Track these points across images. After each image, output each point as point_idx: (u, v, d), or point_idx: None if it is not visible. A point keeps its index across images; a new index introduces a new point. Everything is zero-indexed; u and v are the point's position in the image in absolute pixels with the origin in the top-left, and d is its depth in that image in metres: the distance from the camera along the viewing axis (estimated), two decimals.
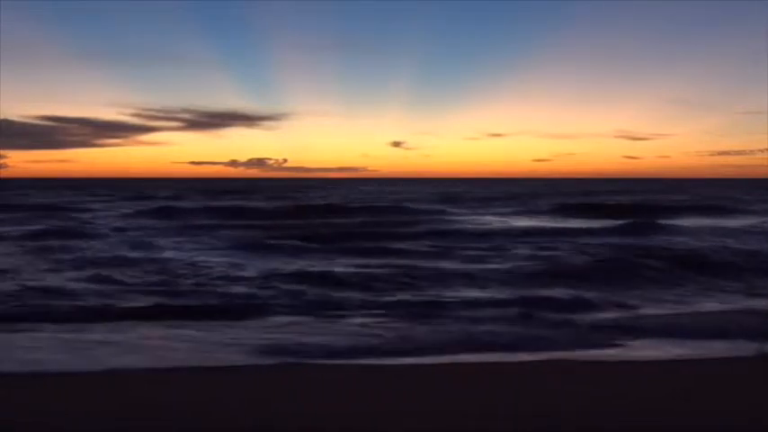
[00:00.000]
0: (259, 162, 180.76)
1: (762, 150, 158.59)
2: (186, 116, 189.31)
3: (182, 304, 12.47)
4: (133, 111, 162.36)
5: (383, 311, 12.14)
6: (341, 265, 17.60)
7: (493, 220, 36.19)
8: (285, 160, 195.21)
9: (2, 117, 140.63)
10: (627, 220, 31.45)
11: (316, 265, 17.72)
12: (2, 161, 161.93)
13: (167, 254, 19.66)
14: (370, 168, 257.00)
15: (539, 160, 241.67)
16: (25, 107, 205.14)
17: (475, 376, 8.08)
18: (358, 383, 7.65)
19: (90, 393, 7.11)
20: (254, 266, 17.15)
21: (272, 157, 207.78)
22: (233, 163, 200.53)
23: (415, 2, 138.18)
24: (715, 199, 58.21)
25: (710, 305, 13.20)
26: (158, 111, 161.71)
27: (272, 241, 22.31)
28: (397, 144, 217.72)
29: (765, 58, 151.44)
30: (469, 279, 15.65)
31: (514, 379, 7.83)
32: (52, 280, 14.83)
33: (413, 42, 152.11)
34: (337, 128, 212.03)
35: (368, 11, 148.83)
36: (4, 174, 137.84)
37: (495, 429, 5.75)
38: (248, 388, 7.43)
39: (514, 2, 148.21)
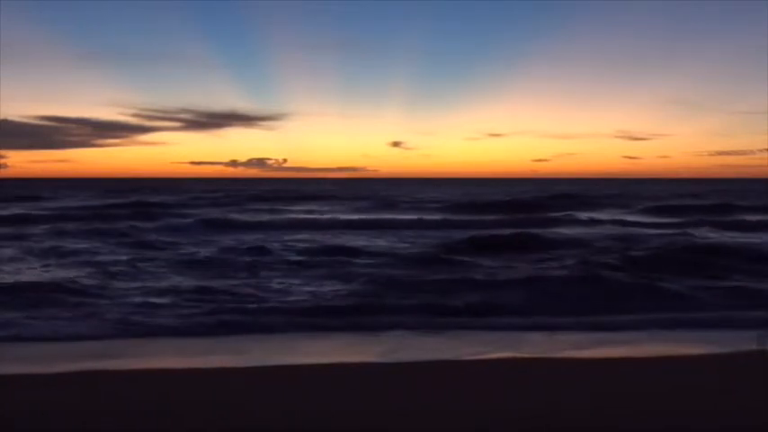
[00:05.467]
0: (259, 162, 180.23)
1: (762, 150, 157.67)
2: (186, 116, 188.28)
3: None
4: (133, 111, 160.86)
5: None
6: None
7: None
8: (285, 160, 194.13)
9: (2, 117, 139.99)
10: None
11: None
12: (2, 161, 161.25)
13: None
14: (369, 168, 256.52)
15: (539, 160, 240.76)
16: (25, 107, 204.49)
17: (479, 375, 8.07)
18: (359, 383, 7.60)
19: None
20: None
21: (272, 157, 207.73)
22: (233, 163, 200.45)
23: (415, 2, 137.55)
24: None
25: None
26: (158, 111, 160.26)
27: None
28: (396, 144, 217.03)
29: (765, 58, 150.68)
30: None
31: (517, 377, 7.79)
32: None
33: (413, 42, 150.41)
34: (337, 128, 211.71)
35: (368, 11, 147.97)
36: (4, 174, 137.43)
37: (496, 429, 5.73)
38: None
39: (514, 2, 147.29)
